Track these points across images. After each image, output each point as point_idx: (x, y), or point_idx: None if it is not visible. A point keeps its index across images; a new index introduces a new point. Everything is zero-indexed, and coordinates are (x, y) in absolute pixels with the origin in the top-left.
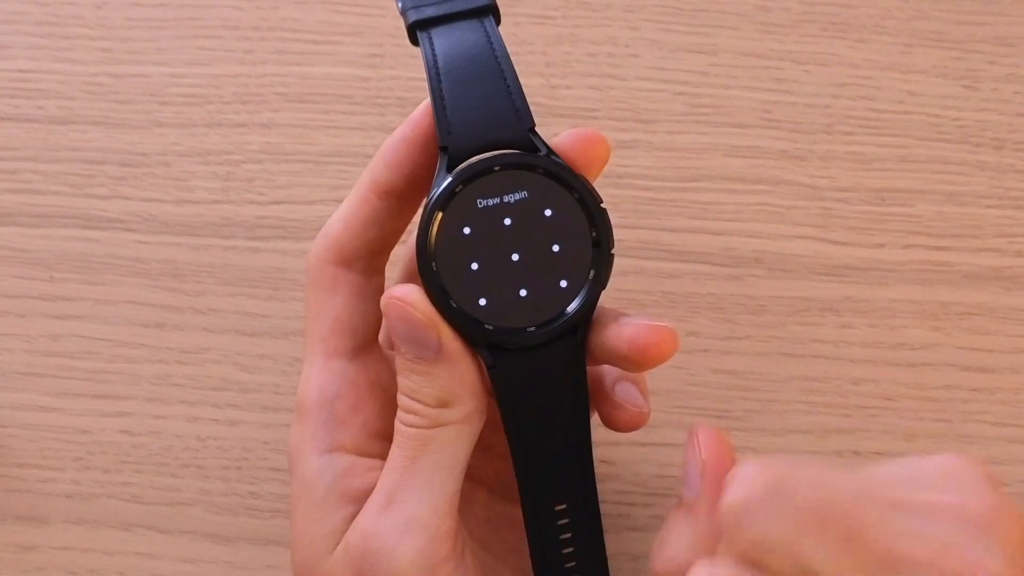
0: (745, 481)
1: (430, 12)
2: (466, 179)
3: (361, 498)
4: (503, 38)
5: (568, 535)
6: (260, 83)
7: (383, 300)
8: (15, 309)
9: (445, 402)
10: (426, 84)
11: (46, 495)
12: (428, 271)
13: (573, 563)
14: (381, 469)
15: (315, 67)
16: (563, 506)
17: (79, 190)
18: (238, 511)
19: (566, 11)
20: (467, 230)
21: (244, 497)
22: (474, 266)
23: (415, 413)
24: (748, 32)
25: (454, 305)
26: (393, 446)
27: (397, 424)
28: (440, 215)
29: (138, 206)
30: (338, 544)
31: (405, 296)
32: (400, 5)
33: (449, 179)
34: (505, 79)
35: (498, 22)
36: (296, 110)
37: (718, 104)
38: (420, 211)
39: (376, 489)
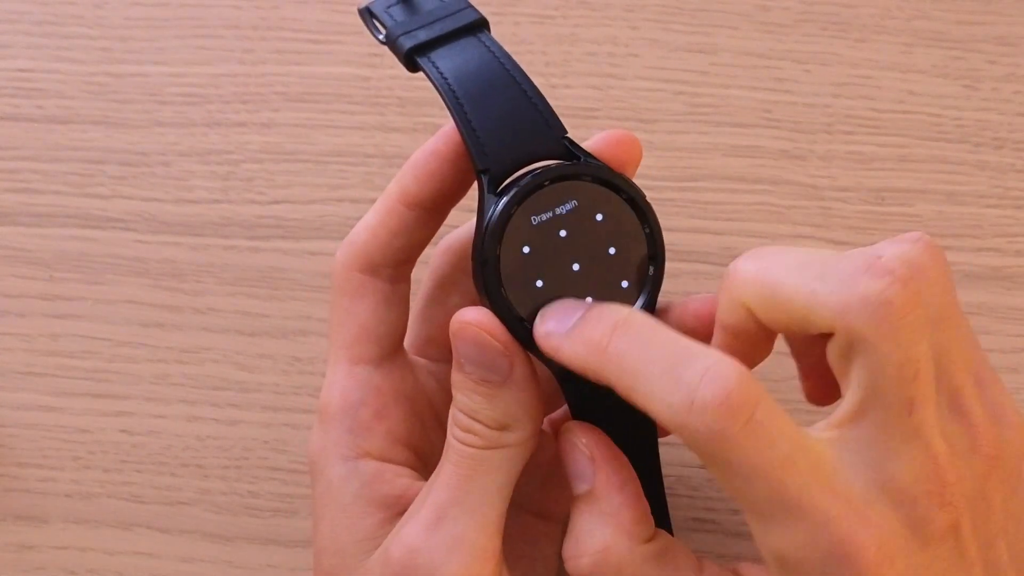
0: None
1: (423, 36)
2: (520, 199)
3: (391, 504)
4: (504, 45)
5: None
6: (260, 82)
7: (453, 323)
8: (15, 309)
9: (505, 425)
10: (441, 105)
11: (46, 494)
12: (499, 299)
13: None
14: (408, 476)
15: (315, 67)
16: None
17: (79, 190)
18: (238, 511)
19: (566, 11)
20: (527, 249)
21: (244, 496)
22: (539, 284)
23: (473, 433)
24: (748, 31)
25: (528, 327)
26: (445, 462)
27: (451, 440)
28: (502, 240)
29: (138, 206)
30: (370, 550)
31: (480, 322)
32: (382, 37)
33: (503, 202)
34: (524, 90)
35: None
36: (296, 110)
37: (718, 104)
38: (473, 239)
39: (425, 504)
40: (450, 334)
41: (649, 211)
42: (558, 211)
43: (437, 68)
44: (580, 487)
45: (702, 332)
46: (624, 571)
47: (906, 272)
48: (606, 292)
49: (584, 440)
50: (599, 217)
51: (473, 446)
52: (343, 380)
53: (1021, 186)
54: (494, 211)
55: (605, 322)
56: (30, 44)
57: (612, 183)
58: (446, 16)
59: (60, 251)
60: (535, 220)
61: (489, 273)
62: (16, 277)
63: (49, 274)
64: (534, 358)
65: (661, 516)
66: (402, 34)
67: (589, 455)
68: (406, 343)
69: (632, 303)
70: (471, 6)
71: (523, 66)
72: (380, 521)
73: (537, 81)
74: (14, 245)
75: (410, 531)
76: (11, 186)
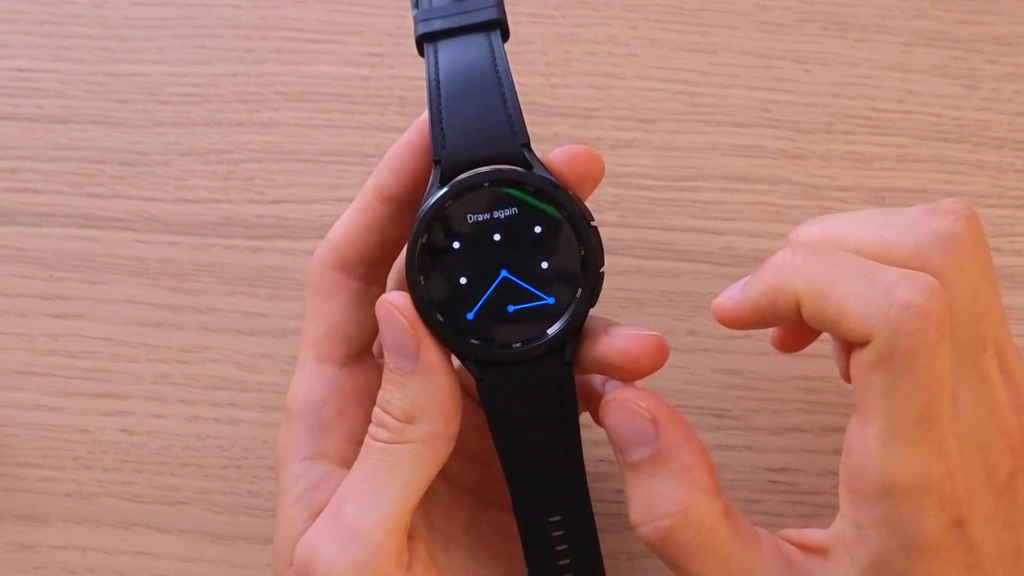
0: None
1: (438, 25)
2: (456, 194)
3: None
4: (506, 53)
5: (564, 547)
6: (260, 82)
7: (377, 301)
8: (15, 308)
9: (412, 417)
10: (425, 95)
11: (46, 494)
12: (416, 284)
13: (570, 575)
14: None
15: (315, 66)
16: (557, 518)
17: (79, 189)
18: (237, 510)
19: (566, 10)
20: (456, 244)
21: (243, 496)
22: (463, 281)
23: (383, 426)
24: (748, 31)
25: (440, 319)
26: (358, 458)
27: (366, 437)
28: (430, 230)
29: (138, 205)
30: None
31: (394, 302)
32: (414, 14)
33: (440, 193)
34: (503, 95)
35: (506, 38)
36: (296, 109)
37: (718, 103)
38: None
39: (331, 499)
40: (376, 314)
41: (590, 233)
42: (496, 215)
43: (436, 58)
44: (640, 452)
45: (626, 369)
46: (703, 528)
47: (967, 211)
48: (529, 304)
49: (643, 403)
50: (537, 229)
51: (381, 440)
52: (309, 378)
53: (1021, 186)
54: (429, 201)
55: (784, 249)
56: (30, 44)
57: (553, 197)
58: (469, 11)
59: (60, 251)
60: (471, 219)
61: (410, 259)
62: (16, 277)
63: (49, 274)
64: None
65: (581, 493)
66: (422, 20)
67: (651, 417)
68: (375, 347)
69: (553, 322)
70: (497, 5)
71: (523, 66)
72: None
73: (537, 81)
74: (14, 245)
75: (313, 527)
76: (11, 186)
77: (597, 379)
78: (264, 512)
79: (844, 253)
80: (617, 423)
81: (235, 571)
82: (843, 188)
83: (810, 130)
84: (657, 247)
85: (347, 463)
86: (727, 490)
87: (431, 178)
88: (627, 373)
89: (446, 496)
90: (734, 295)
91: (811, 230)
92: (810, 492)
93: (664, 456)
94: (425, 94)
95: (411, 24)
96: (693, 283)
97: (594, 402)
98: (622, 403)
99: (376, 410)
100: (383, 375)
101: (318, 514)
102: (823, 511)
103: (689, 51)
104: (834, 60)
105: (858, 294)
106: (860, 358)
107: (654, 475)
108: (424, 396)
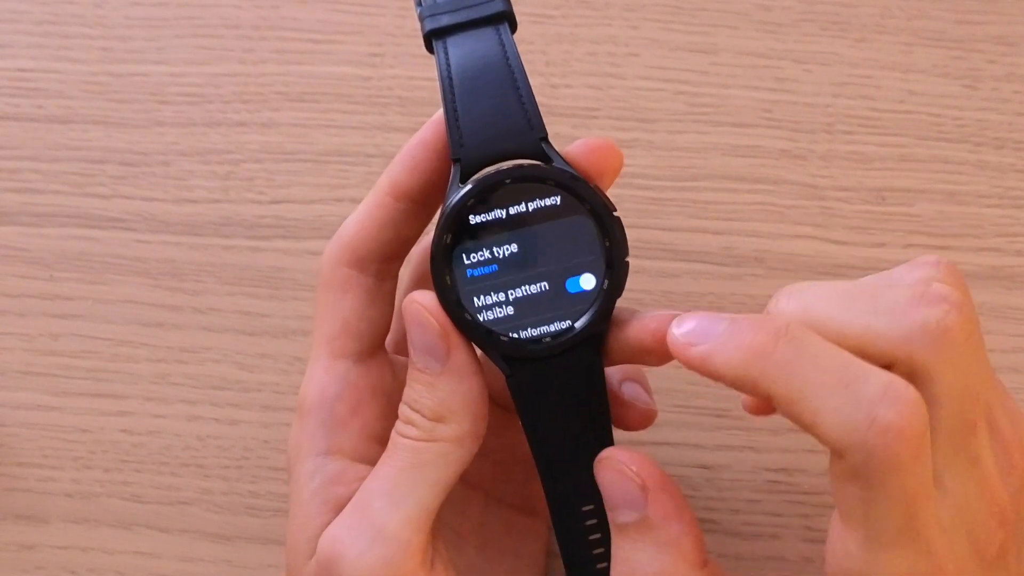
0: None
1: (445, 21)
2: (478, 191)
3: (343, 506)
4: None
5: (598, 535)
6: (260, 82)
7: (404, 301)
8: (15, 308)
9: (441, 417)
10: (438, 92)
11: (46, 494)
12: (443, 284)
13: (605, 564)
14: None
15: (315, 66)
16: (590, 507)
17: (79, 189)
18: (238, 510)
19: (566, 10)
20: (481, 242)
21: (244, 496)
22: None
23: (411, 424)
24: (748, 31)
25: (469, 318)
26: (383, 455)
27: (393, 434)
28: (454, 228)
29: (138, 205)
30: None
31: (423, 302)
32: (418, 11)
33: (462, 191)
34: (518, 89)
35: (514, 29)
36: (296, 109)
37: (718, 103)
38: (435, 221)
39: (356, 494)
40: (402, 314)
41: (613, 224)
42: (518, 210)
43: (446, 54)
44: (627, 516)
45: (659, 352)
46: None
47: (959, 298)
48: (556, 296)
49: (634, 468)
50: (560, 223)
51: (409, 438)
52: (322, 374)
53: (1021, 186)
54: (452, 199)
55: (766, 329)
56: (30, 44)
57: (575, 190)
58: (474, 5)
59: (60, 251)
60: (494, 215)
61: (435, 258)
62: (16, 277)
63: (49, 274)
64: (482, 355)
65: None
66: (428, 16)
67: (640, 483)
68: (387, 342)
69: (581, 315)
70: None
71: (523, 65)
72: (330, 522)
73: (537, 81)
74: (14, 245)
75: (338, 521)
76: (11, 186)
77: (614, 381)
78: (265, 512)
79: (827, 351)
80: (608, 483)
81: (235, 571)
82: (843, 188)
83: (810, 130)
84: (657, 247)
85: (362, 458)
86: (728, 490)
87: (451, 176)
88: (659, 356)
89: (458, 493)
90: (702, 346)
91: (791, 306)
92: (811, 492)
93: (651, 525)
94: (438, 92)
95: (412, 24)
96: (693, 283)
97: (612, 403)
98: (615, 464)
99: (403, 407)
100: (408, 373)
101: (335, 508)
102: (823, 511)
103: (689, 51)
104: (834, 60)
105: (835, 408)
106: (836, 466)
107: (638, 540)
108: (454, 397)
